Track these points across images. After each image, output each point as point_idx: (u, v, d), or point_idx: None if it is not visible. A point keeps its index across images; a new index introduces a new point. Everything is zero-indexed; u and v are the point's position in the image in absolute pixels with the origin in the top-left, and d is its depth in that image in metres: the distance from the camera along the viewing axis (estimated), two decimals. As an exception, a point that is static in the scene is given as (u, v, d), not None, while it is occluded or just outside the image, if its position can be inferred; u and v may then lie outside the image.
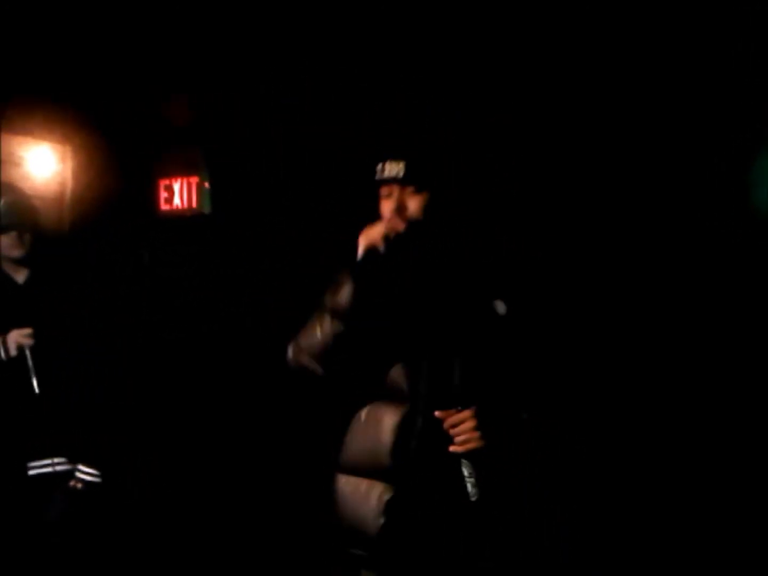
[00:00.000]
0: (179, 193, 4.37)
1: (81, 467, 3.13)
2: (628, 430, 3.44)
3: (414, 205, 2.16)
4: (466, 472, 2.08)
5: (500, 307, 2.16)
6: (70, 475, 3.11)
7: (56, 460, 3.11)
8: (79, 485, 3.10)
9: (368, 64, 3.95)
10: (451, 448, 2.09)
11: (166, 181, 4.39)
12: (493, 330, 2.14)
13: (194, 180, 4.35)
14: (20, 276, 3.16)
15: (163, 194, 4.40)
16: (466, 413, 2.08)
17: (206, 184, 4.35)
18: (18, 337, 3.02)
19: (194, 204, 4.36)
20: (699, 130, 3.61)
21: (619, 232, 3.68)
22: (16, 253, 3.13)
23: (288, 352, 2.28)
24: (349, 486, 2.23)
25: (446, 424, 2.09)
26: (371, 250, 2.15)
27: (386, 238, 2.15)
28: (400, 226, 2.15)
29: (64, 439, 3.09)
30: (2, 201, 3.13)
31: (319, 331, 2.20)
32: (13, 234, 3.11)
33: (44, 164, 4.27)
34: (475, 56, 3.74)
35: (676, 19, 3.49)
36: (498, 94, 3.74)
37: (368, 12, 3.83)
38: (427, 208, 2.16)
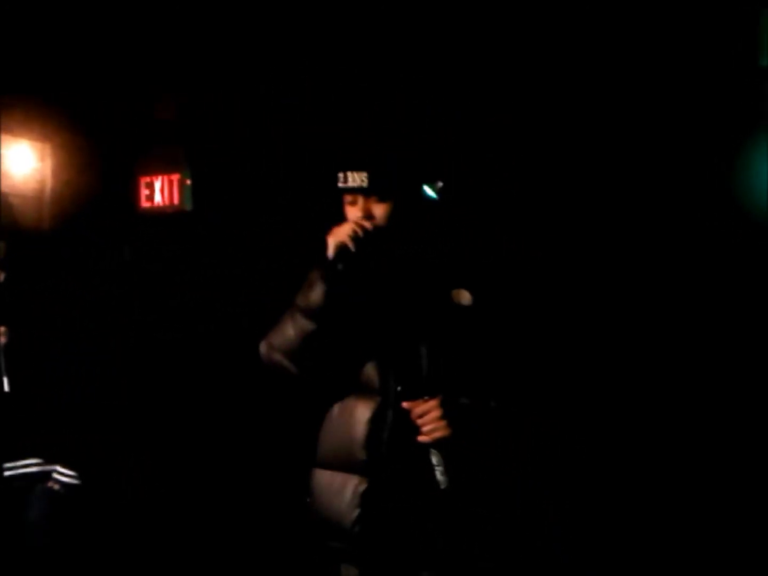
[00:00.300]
0: (160, 191, 4.34)
1: (58, 468, 3.10)
2: (620, 427, 3.44)
3: (380, 212, 2.19)
4: (434, 461, 2.11)
5: (465, 298, 2.19)
6: (46, 476, 3.08)
7: (32, 461, 3.08)
8: (56, 486, 3.07)
9: (350, 62, 3.94)
10: (419, 438, 2.13)
11: (147, 179, 4.36)
12: (458, 321, 2.17)
13: (175, 177, 4.32)
14: None
15: (144, 191, 4.37)
16: (432, 403, 2.12)
17: (187, 181, 4.32)
18: None
19: (175, 201, 4.33)
20: (698, 130, 3.61)
21: (612, 230, 3.68)
22: None
23: (260, 349, 2.28)
24: (324, 480, 2.26)
25: (413, 415, 2.13)
26: (341, 249, 2.16)
27: (355, 237, 2.16)
28: (369, 226, 2.17)
29: (41, 440, 3.06)
30: None
31: (291, 330, 2.22)
32: None
33: (23, 162, 4.24)
34: (472, 59, 3.72)
35: (675, 20, 3.48)
36: (494, 96, 3.73)
37: (350, 11, 3.81)
38: (392, 215, 2.18)
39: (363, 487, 2.19)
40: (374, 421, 2.20)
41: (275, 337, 2.26)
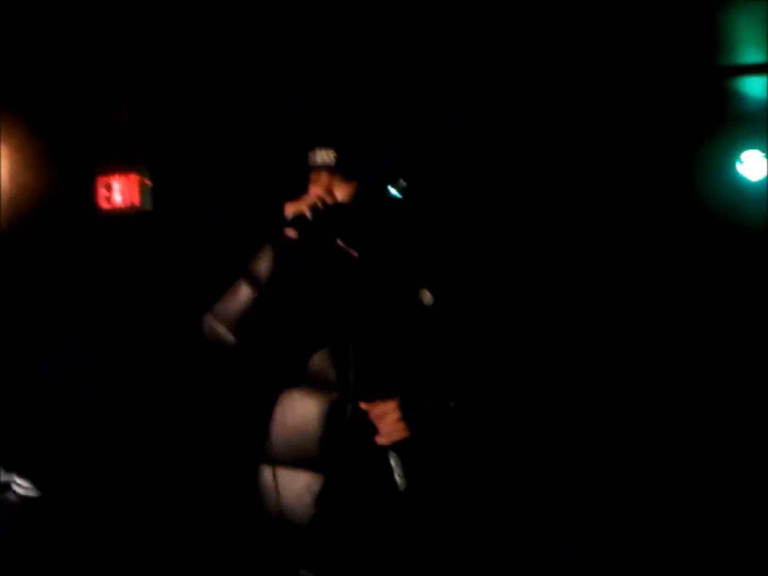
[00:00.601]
0: (119, 191, 4.27)
1: (16, 479, 3.06)
2: (617, 427, 3.47)
3: (341, 192, 2.20)
4: (393, 463, 2.09)
5: (426, 297, 2.18)
6: (6, 486, 3.04)
7: None
8: (13, 498, 3.03)
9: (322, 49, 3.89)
10: (377, 440, 2.10)
11: (106, 179, 4.27)
12: (419, 320, 2.16)
13: (134, 177, 4.25)
14: None
15: (103, 192, 4.28)
16: (390, 405, 2.09)
17: (147, 181, 4.25)
18: None
19: (136, 202, 4.26)
20: (657, 130, 3.65)
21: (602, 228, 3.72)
22: None
23: (203, 321, 2.25)
24: (272, 477, 2.21)
25: (371, 416, 2.11)
26: (298, 216, 2.15)
27: (314, 207, 2.16)
28: (329, 200, 2.18)
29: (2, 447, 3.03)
30: None
31: (235, 299, 2.19)
32: None
33: (-24, 165, 4.13)
34: (474, 56, 3.70)
35: (632, 19, 3.51)
36: (490, 92, 3.72)
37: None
38: (352, 196, 2.19)
39: (317, 484, 2.15)
40: (330, 416, 2.16)
41: (218, 307, 2.23)
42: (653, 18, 3.53)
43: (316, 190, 2.21)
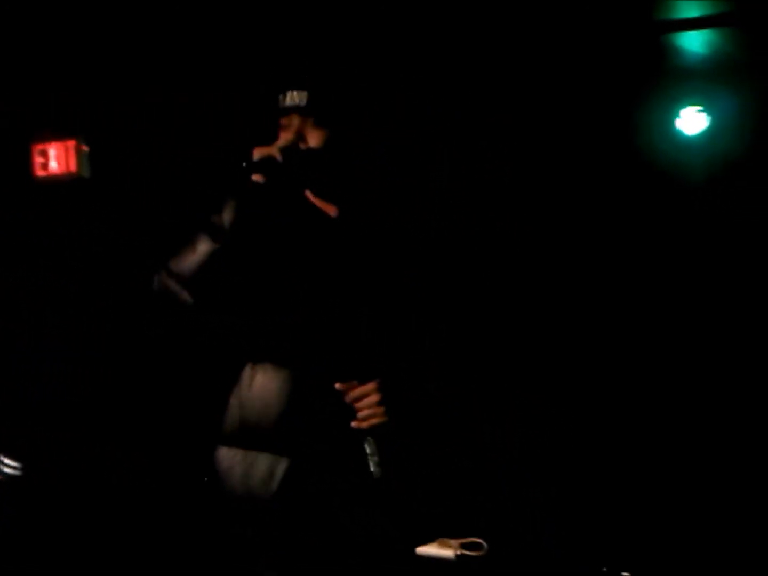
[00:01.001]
0: (56, 158, 4.17)
1: (2, 459, 3.04)
2: (613, 421, 3.45)
3: (313, 138, 2.03)
4: (368, 450, 1.93)
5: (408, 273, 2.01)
6: None
7: None
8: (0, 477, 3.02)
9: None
10: (353, 424, 1.93)
11: (41, 146, 4.17)
12: (401, 293, 1.99)
13: (71, 143, 4.16)
14: None
15: (39, 159, 4.19)
16: (370, 386, 1.93)
17: (84, 147, 4.16)
18: None
19: (72, 168, 4.17)
20: (635, 85, 3.65)
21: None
22: None
23: (154, 280, 2.04)
24: (231, 458, 2.04)
25: (348, 398, 1.93)
26: (266, 159, 1.97)
27: (284, 149, 1.98)
28: (300, 145, 2.01)
29: None
30: None
31: (193, 252, 1.98)
32: None
33: None
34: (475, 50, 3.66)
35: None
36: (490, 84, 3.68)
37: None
38: (326, 143, 2.02)
39: (281, 466, 1.98)
40: (298, 393, 1.97)
41: (173, 262, 2.02)
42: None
43: (286, 135, 2.03)
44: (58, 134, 4.16)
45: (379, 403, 1.93)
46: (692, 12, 3.67)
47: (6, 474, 3.05)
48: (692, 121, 3.70)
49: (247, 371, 2.06)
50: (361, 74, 2.12)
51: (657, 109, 3.72)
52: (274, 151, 1.97)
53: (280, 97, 2.05)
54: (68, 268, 4.12)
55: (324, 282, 2.00)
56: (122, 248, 4.04)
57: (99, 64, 4.03)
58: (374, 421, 1.93)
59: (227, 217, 1.97)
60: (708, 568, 3.14)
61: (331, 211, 2.06)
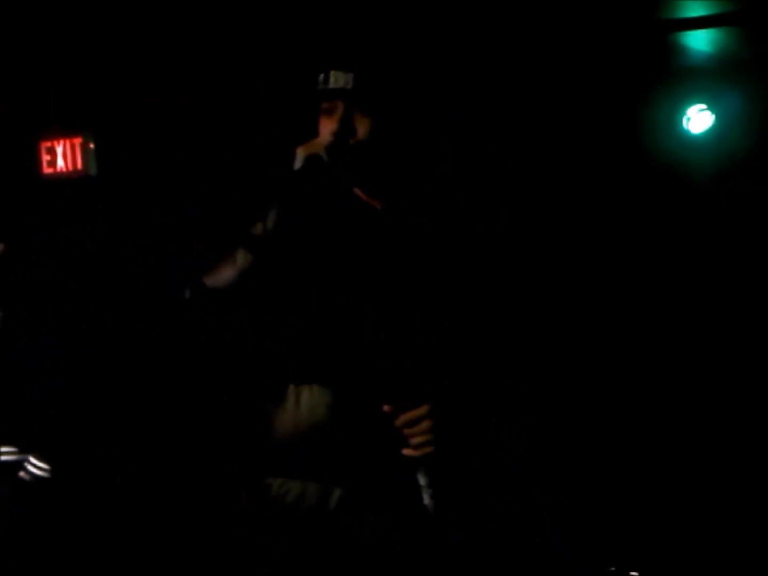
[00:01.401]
0: (62, 155, 4.17)
1: (31, 459, 3.04)
2: (619, 421, 3.46)
3: (360, 128, 1.77)
4: (422, 481, 1.71)
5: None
6: (18, 465, 3.01)
7: (3, 449, 3.00)
8: (27, 477, 3.01)
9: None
10: (405, 452, 1.70)
11: (48, 143, 4.17)
12: (406, 292, 1.78)
13: (78, 141, 4.15)
14: None
15: (46, 157, 4.19)
16: (422, 410, 1.68)
17: (91, 145, 4.16)
18: None
19: (79, 166, 4.17)
20: (641, 84, 3.66)
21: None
22: None
23: (185, 293, 1.86)
24: (281, 488, 1.83)
25: (398, 422, 1.69)
26: (312, 158, 1.76)
27: (330, 147, 1.75)
28: (350, 140, 1.77)
29: (15, 428, 2.99)
30: None
31: (232, 266, 1.81)
32: None
33: None
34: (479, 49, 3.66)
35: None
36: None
37: None
38: (371, 134, 1.77)
39: (333, 497, 1.77)
40: (345, 416, 1.75)
41: (210, 277, 1.84)
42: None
43: (330, 125, 1.77)
44: (65, 132, 4.16)
45: (431, 430, 1.69)
46: (698, 11, 3.69)
47: (35, 475, 3.04)
48: (698, 120, 3.72)
49: (277, 389, 1.82)
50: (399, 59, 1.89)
51: (663, 109, 3.74)
52: (319, 149, 1.78)
53: (321, 77, 1.81)
54: (75, 264, 4.13)
55: (374, 289, 1.80)
56: (127, 246, 4.04)
57: (106, 62, 4.03)
58: (428, 449, 1.69)
59: (270, 227, 1.80)
60: (716, 568, 3.14)
61: (377, 205, 1.86)
